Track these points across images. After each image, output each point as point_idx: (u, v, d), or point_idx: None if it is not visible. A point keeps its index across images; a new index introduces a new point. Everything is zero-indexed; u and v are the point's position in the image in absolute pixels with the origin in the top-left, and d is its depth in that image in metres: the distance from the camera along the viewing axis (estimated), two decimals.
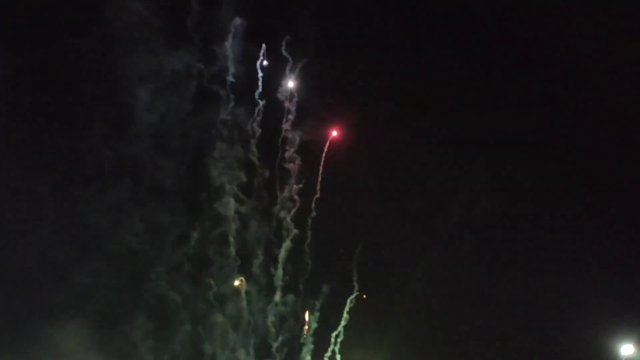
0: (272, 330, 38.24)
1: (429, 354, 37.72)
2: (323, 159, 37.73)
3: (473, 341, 37.47)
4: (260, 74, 37.88)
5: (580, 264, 36.45)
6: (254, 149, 37.93)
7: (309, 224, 38.10)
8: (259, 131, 37.96)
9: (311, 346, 38.48)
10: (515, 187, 38.20)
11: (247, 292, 38.21)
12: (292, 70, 37.77)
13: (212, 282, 37.71)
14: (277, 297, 38.47)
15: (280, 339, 38.24)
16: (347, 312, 38.65)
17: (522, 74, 38.31)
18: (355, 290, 38.49)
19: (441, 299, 37.88)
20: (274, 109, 38.06)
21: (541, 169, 38.48)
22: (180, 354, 37.19)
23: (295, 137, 38.06)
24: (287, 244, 38.41)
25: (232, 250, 37.85)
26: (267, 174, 38.13)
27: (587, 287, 35.00)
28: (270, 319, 38.23)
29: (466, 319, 37.39)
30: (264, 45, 37.72)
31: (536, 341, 36.66)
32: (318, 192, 38.16)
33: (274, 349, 38.14)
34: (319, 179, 37.72)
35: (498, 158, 37.56)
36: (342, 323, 38.68)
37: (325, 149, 37.89)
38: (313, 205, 38.01)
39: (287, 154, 38.27)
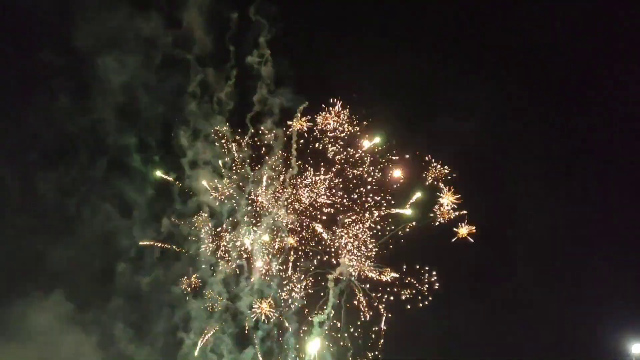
0: (253, 316, 36.23)
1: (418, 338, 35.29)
2: (296, 131, 34.96)
3: (473, 332, 35.34)
4: (232, 47, 35.16)
5: (592, 263, 34.72)
6: (225, 121, 35.75)
7: (283, 200, 35.80)
8: (230, 102, 35.63)
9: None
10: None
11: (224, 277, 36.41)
12: (264, 36, 34.86)
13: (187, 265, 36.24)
14: (257, 280, 36.56)
15: (260, 325, 36.19)
16: (333, 296, 36.26)
17: None
18: (339, 268, 35.93)
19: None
20: (247, 78, 35.32)
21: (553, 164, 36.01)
22: (156, 341, 35.83)
23: (269, 107, 35.39)
24: (265, 222, 36.23)
25: (206, 229, 36.17)
26: (239, 147, 36.05)
27: (598, 285, 33.78)
28: (249, 302, 36.46)
29: (469, 314, 35.32)
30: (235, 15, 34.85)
31: (547, 339, 35.16)
32: (295, 168, 35.51)
33: (255, 337, 36.26)
34: (294, 153, 35.10)
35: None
36: (329, 306, 36.32)
37: (297, 120, 35.02)
38: (287, 180, 35.68)
39: (261, 126, 35.80)
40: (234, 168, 36.28)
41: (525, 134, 36.06)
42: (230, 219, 36.39)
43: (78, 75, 33.80)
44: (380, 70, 34.14)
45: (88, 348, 34.96)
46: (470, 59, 35.68)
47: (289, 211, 36.06)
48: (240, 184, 36.28)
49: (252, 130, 35.70)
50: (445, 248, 35.13)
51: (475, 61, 35.68)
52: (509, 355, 34.59)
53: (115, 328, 35.50)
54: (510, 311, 35.07)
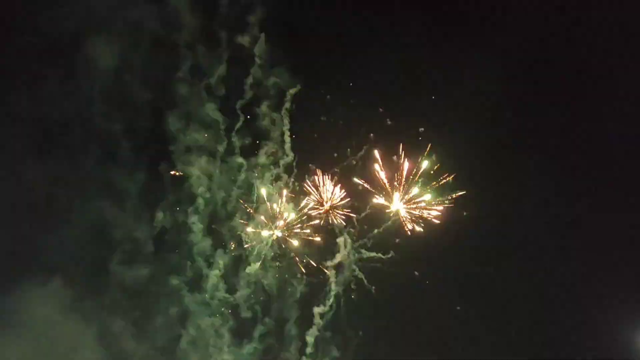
0: (251, 307, 35.33)
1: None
2: (288, 116, 33.64)
3: (489, 333, 34.42)
4: (222, 30, 33.74)
5: (610, 258, 33.44)
6: (217, 107, 34.25)
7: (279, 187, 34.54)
8: (222, 88, 34.12)
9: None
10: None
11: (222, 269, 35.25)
12: (256, 16, 33.42)
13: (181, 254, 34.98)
14: (254, 269, 35.36)
15: (260, 317, 35.23)
16: (335, 283, 35.06)
17: None
18: (338, 254, 34.77)
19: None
20: (239, 61, 33.98)
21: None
22: (154, 337, 34.82)
23: (263, 91, 34.06)
24: (262, 210, 34.99)
25: (201, 216, 34.89)
26: (232, 133, 34.48)
27: (615, 281, 32.73)
28: (247, 292, 35.35)
29: (482, 312, 34.66)
30: None
31: (562, 335, 34.17)
32: (292, 156, 34.18)
33: (254, 331, 35.17)
34: (288, 140, 33.74)
35: None
36: (331, 297, 35.14)
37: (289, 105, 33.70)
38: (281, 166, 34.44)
39: (255, 111, 34.47)
40: (228, 156, 35.10)
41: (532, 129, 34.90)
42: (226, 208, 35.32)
43: (63, 60, 32.69)
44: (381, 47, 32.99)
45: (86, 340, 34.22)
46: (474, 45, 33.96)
47: (286, 200, 34.88)
48: (236, 171, 35.12)
49: (243, 118, 34.42)
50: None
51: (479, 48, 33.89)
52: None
53: (111, 323, 34.57)
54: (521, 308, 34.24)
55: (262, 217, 34.73)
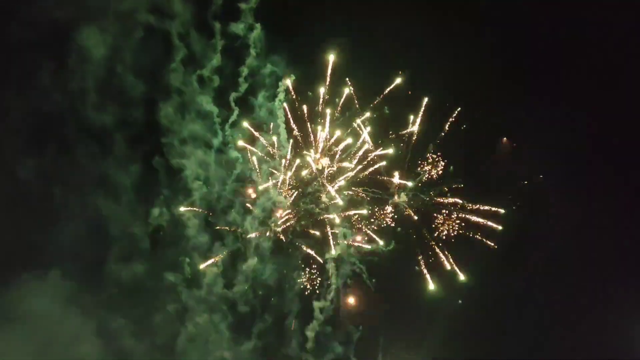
0: (250, 303, 34.60)
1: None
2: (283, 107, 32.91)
3: (490, 327, 33.86)
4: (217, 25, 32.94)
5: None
6: (211, 99, 33.50)
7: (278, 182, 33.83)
8: (216, 78, 33.35)
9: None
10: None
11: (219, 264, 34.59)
12: (249, 4, 32.63)
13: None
14: (253, 264, 34.70)
15: (259, 314, 34.57)
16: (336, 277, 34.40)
17: None
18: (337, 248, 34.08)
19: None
20: (233, 51, 33.20)
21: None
22: (153, 334, 34.06)
23: (257, 81, 33.42)
24: (260, 204, 34.31)
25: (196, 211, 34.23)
26: (227, 125, 33.90)
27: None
28: (245, 287, 34.67)
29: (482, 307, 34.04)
30: None
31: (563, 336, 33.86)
32: (286, 146, 33.41)
33: (254, 326, 34.50)
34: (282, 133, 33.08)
35: None
36: (332, 290, 34.54)
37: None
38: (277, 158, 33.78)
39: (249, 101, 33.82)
40: (223, 148, 34.45)
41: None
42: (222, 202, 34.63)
43: (54, 52, 31.63)
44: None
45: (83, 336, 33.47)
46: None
47: (283, 193, 34.25)
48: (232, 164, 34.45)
49: (237, 109, 33.75)
50: None
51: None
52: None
53: (109, 320, 33.79)
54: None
55: (259, 211, 34.28)
